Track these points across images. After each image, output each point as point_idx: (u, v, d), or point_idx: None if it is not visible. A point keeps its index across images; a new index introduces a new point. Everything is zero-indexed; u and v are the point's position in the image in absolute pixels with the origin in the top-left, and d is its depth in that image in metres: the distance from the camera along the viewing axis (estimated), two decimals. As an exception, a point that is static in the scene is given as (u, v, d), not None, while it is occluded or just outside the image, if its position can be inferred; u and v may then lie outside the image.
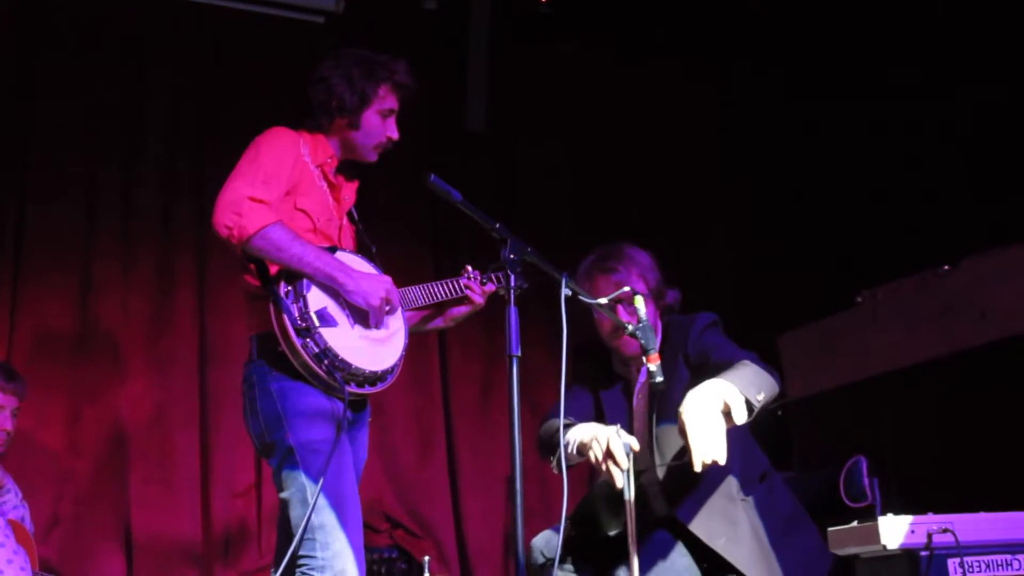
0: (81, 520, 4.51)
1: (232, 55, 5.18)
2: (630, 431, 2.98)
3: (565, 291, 2.63)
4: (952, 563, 2.57)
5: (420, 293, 3.12)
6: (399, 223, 5.18)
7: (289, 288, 2.81)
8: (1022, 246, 4.08)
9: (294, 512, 2.75)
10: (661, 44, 5.83)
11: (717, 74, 5.90)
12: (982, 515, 2.63)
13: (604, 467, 2.78)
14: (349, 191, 3.15)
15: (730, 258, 5.75)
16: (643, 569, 2.85)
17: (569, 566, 3.07)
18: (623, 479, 2.76)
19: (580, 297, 2.77)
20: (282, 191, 2.89)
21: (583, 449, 2.86)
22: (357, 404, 2.98)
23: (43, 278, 4.68)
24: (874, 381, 4.50)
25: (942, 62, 4.92)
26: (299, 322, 2.77)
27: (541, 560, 3.08)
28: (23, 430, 4.16)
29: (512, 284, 2.55)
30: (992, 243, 4.22)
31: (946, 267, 4.33)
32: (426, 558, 4.58)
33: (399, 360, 2.98)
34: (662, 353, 2.90)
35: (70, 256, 4.75)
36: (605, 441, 2.79)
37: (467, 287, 3.16)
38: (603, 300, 2.89)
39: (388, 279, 2.95)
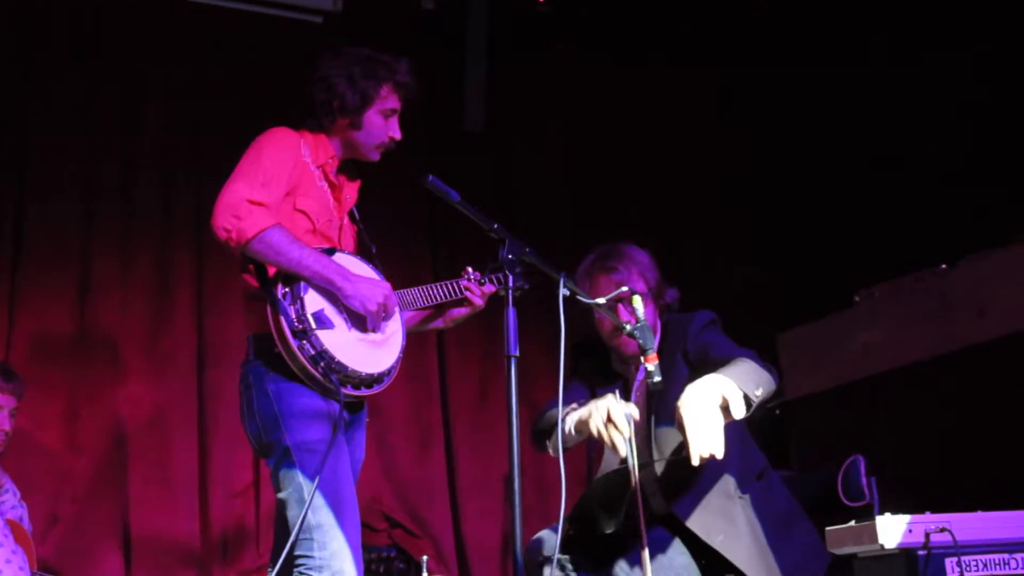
0: (79, 520, 4.51)
1: (230, 55, 5.19)
2: (628, 430, 2.98)
3: (563, 291, 2.64)
4: (950, 562, 2.58)
5: (419, 295, 3.10)
6: (397, 223, 5.18)
7: (287, 290, 2.81)
8: (1020, 245, 4.08)
9: (291, 512, 2.75)
10: (660, 44, 5.83)
11: (716, 74, 5.91)
12: (980, 514, 2.64)
13: (606, 435, 2.78)
14: (351, 191, 3.14)
15: (729, 257, 5.75)
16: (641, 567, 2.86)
17: (568, 565, 3.08)
18: (625, 447, 2.76)
19: (578, 297, 2.78)
20: (282, 193, 2.87)
21: (582, 426, 2.87)
22: (354, 405, 2.98)
23: (42, 278, 4.68)
24: (872, 380, 4.50)
25: (942, 62, 4.94)
26: (296, 324, 2.77)
27: (539, 559, 3.08)
28: (21, 430, 4.16)
29: (511, 284, 2.55)
30: (990, 243, 4.23)
31: (944, 266, 4.34)
32: (424, 557, 4.58)
33: (396, 362, 2.97)
34: (661, 351, 2.92)
35: (69, 256, 4.75)
36: (605, 409, 2.79)
37: (467, 288, 3.14)
38: (601, 300, 2.90)
39: (387, 285, 2.93)
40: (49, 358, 4.60)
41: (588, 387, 3.24)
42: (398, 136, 3.10)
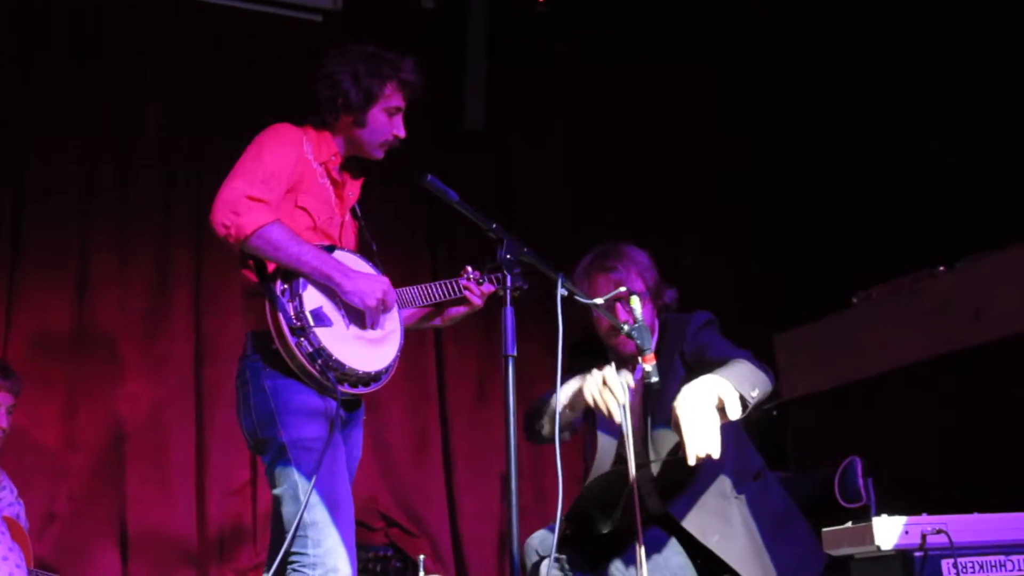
0: (77, 517, 4.51)
1: (230, 54, 5.18)
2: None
3: (561, 291, 2.64)
4: (946, 564, 2.57)
5: (418, 293, 3.10)
6: (396, 222, 5.17)
7: (285, 287, 2.81)
8: (1017, 247, 4.09)
9: (286, 509, 2.76)
10: (660, 43, 5.83)
11: (716, 74, 5.91)
12: (976, 516, 2.63)
13: (601, 401, 2.79)
14: (353, 188, 3.13)
15: (727, 258, 5.75)
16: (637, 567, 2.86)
17: (564, 564, 3.08)
18: (620, 414, 2.76)
19: (576, 297, 2.78)
20: (282, 189, 2.87)
21: (577, 396, 2.88)
22: (351, 403, 2.98)
23: (40, 276, 4.68)
24: (869, 381, 4.50)
25: (942, 62, 4.93)
26: (294, 321, 2.77)
27: (536, 558, 3.08)
28: (19, 427, 4.17)
29: (509, 284, 2.55)
30: (988, 244, 4.23)
31: (941, 267, 4.34)
32: (421, 556, 4.57)
33: (394, 361, 2.97)
34: (658, 351, 2.92)
35: (67, 254, 4.76)
36: (600, 376, 2.80)
37: (466, 288, 3.13)
38: (599, 300, 2.90)
39: (385, 280, 2.93)
40: (47, 356, 4.60)
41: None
42: (402, 134, 3.08)
